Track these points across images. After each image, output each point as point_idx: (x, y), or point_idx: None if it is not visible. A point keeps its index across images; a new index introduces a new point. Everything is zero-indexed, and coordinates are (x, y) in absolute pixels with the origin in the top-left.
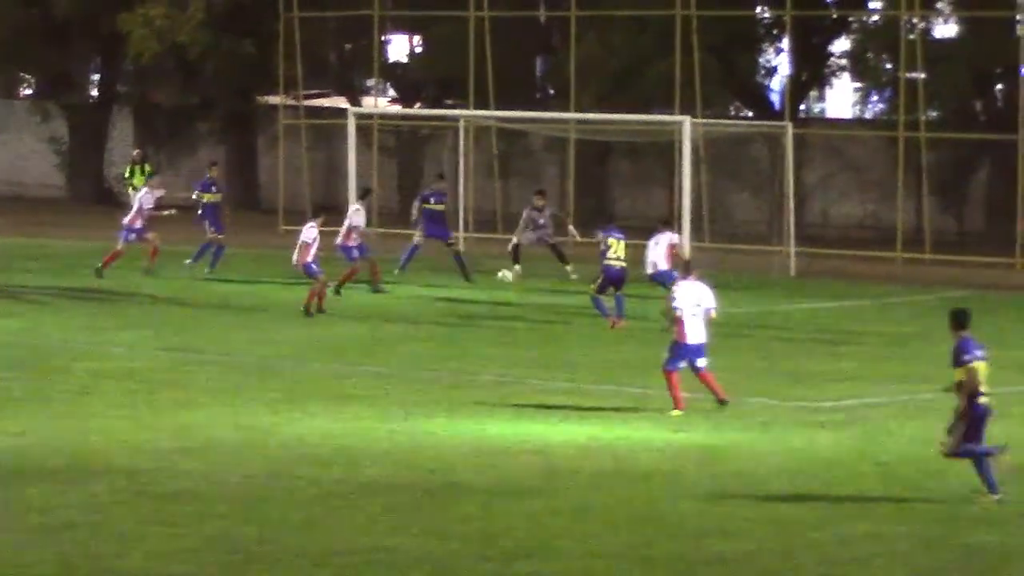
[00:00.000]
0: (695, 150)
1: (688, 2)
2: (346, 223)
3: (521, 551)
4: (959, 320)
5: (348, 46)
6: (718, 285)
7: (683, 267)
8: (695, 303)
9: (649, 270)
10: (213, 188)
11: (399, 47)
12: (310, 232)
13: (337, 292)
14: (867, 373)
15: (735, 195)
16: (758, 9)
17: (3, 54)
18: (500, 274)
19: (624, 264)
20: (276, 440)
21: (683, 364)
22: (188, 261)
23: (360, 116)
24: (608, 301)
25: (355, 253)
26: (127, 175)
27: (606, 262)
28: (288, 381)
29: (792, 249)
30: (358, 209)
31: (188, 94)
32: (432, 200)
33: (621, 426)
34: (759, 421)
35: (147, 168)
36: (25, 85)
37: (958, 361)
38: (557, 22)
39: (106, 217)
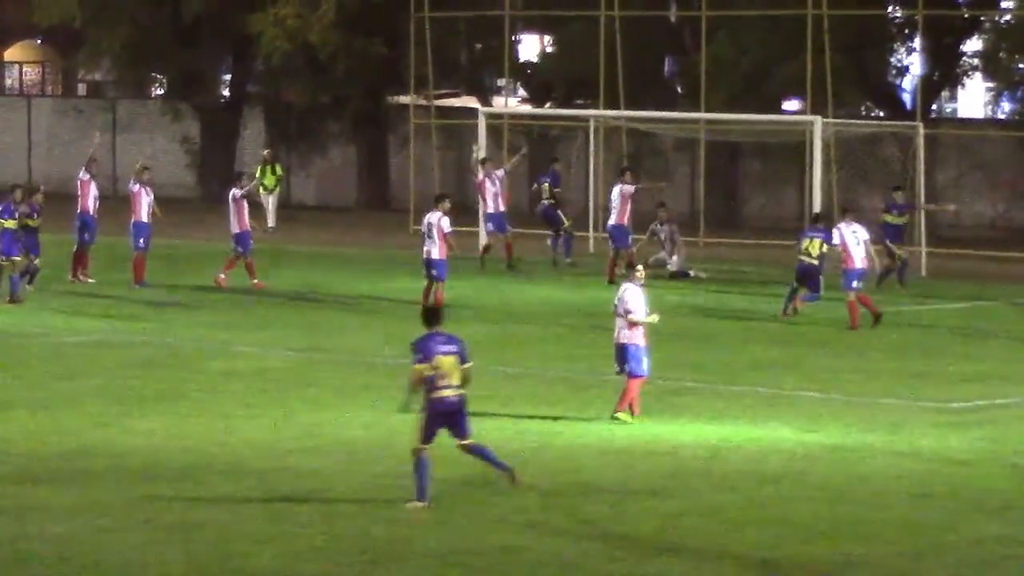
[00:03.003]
0: (826, 150)
1: (819, 1)
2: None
3: (650, 551)
4: (427, 318)
5: (479, 46)
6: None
7: (627, 269)
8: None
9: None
10: (35, 215)
11: (530, 47)
12: (446, 221)
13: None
14: (998, 373)
15: (866, 195)
16: (890, 8)
17: (134, 54)
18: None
19: (813, 261)
20: (404, 440)
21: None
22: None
23: (490, 116)
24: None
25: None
26: (258, 175)
27: (798, 257)
28: None
29: (924, 249)
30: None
31: (319, 94)
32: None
33: (751, 427)
34: (889, 422)
35: (278, 168)
36: (157, 85)
37: (415, 357)
38: (687, 22)
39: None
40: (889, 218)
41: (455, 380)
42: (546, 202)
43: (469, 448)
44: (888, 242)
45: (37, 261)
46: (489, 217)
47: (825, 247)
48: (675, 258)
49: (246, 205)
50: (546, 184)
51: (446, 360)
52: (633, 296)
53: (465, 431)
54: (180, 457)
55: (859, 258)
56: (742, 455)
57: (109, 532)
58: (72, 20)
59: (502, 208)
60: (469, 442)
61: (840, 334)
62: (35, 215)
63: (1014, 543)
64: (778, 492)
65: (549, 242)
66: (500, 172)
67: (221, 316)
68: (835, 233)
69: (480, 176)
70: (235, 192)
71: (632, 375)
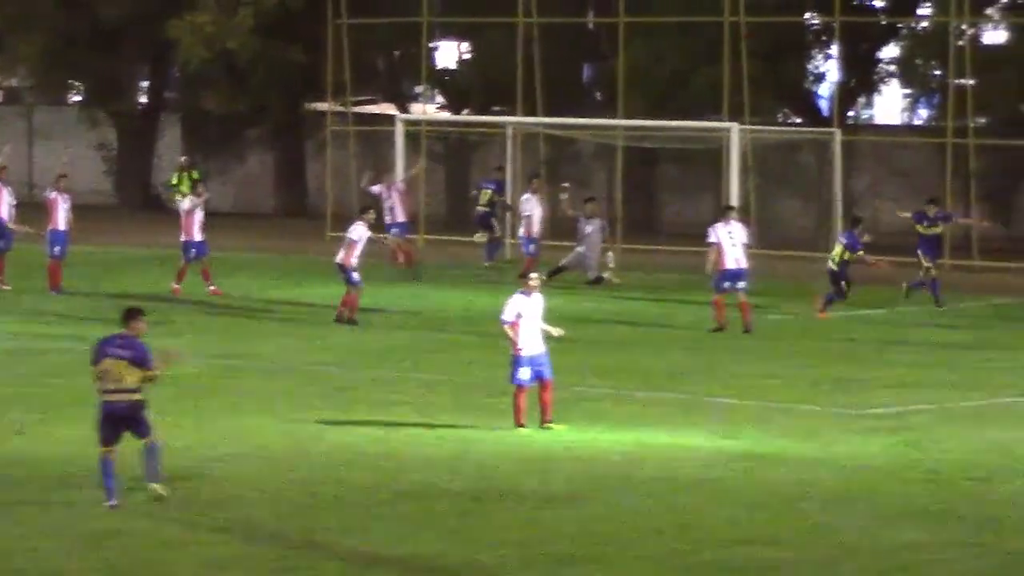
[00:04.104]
0: (743, 157)
1: (736, 8)
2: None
3: (567, 557)
4: (121, 318)
5: (397, 53)
6: (766, 292)
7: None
8: (534, 312)
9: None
10: None
11: (448, 54)
12: (357, 230)
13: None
14: (915, 380)
15: (783, 202)
16: (807, 15)
17: (52, 61)
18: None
19: (831, 265)
20: (322, 446)
21: (528, 377)
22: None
23: (408, 123)
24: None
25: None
26: (174, 182)
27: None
28: (334, 387)
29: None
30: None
31: (237, 101)
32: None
33: (668, 433)
34: (806, 428)
35: (194, 175)
36: (74, 92)
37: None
38: (605, 28)
39: (153, 224)
40: (920, 229)
41: (127, 384)
42: (482, 209)
43: (147, 448)
44: (920, 253)
45: None
46: (389, 227)
47: (847, 254)
48: (609, 255)
49: (197, 215)
50: (488, 190)
51: (113, 364)
52: (512, 303)
53: (142, 432)
54: (96, 464)
55: (731, 259)
56: (659, 461)
57: (27, 540)
58: None
59: (400, 219)
60: (146, 441)
61: (757, 342)
62: None
63: (929, 549)
64: (695, 498)
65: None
66: (399, 183)
67: None
68: (711, 232)
69: (377, 189)
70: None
71: (543, 380)
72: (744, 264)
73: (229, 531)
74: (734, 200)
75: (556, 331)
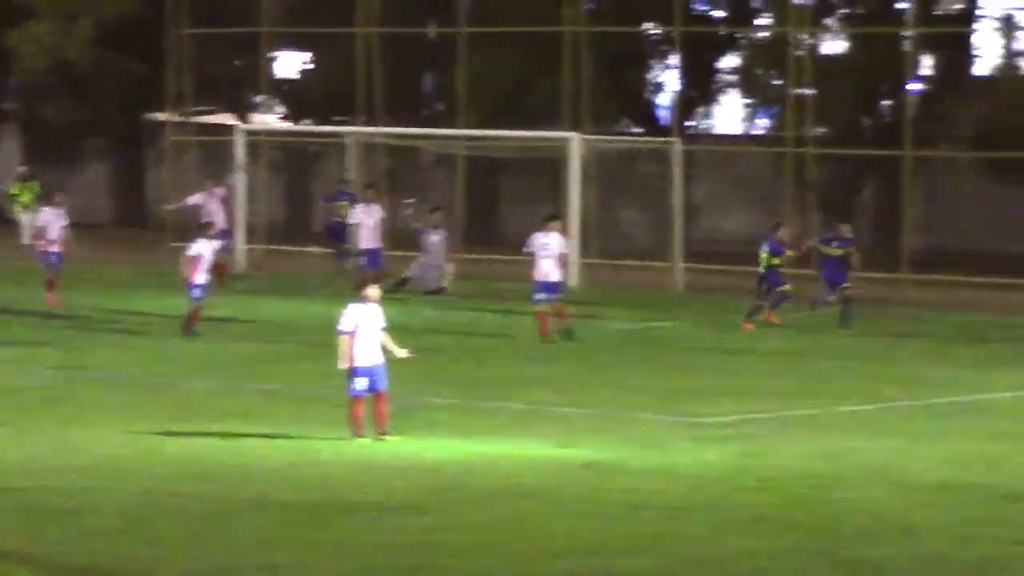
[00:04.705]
0: (584, 166)
1: (576, 19)
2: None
3: (408, 568)
4: None
5: (237, 63)
6: (606, 301)
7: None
8: (372, 323)
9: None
10: None
11: (288, 64)
12: (198, 246)
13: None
14: (752, 388)
15: (624, 211)
16: (647, 25)
17: None
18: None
19: (760, 270)
20: (163, 457)
21: (364, 388)
22: None
23: (249, 133)
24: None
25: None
26: (14, 192)
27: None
28: (175, 398)
29: (680, 265)
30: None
31: (76, 111)
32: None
33: (507, 443)
34: (645, 437)
35: (34, 185)
36: None
37: None
38: (446, 39)
39: None
40: (828, 250)
41: None
42: (334, 219)
43: None
44: (823, 276)
45: None
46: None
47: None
48: (449, 266)
49: (57, 223)
50: (345, 202)
51: None
52: (349, 313)
53: None
54: None
55: (543, 270)
56: (498, 471)
57: None
58: None
59: (221, 227)
60: None
61: (599, 351)
62: None
63: (766, 557)
64: (534, 507)
65: (335, 259)
66: (219, 191)
67: None
68: (529, 240)
69: (197, 199)
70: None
71: (377, 392)
72: (557, 276)
73: (65, 543)
74: (574, 210)
75: (401, 352)
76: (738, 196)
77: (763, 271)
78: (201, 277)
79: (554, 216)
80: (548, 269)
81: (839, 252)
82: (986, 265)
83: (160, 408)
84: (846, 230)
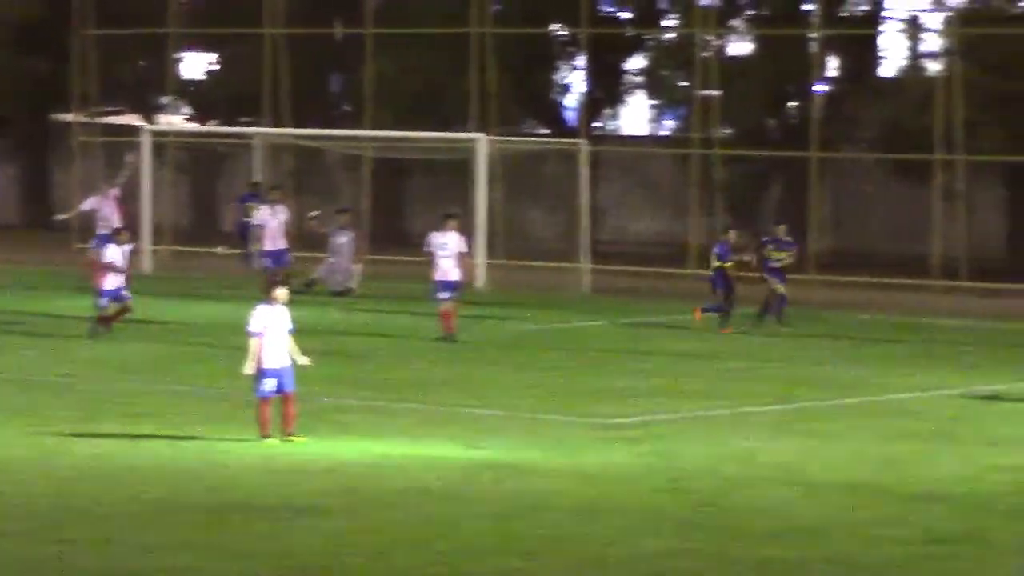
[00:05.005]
0: (491, 167)
1: (483, 20)
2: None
3: (315, 569)
4: None
5: (143, 63)
6: (513, 302)
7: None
8: (279, 324)
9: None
10: None
11: (194, 65)
12: (111, 252)
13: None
14: (661, 389)
15: (531, 212)
16: (553, 27)
17: None
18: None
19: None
20: (68, 460)
21: (272, 389)
22: None
23: (155, 134)
24: None
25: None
26: None
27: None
28: (80, 399)
29: (586, 266)
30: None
31: None
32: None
33: (414, 444)
34: (554, 437)
35: None
36: None
37: None
38: (353, 40)
39: None
40: (777, 255)
41: None
42: (246, 219)
43: None
44: (766, 276)
45: None
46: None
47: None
48: (357, 267)
49: None
50: (253, 204)
51: None
52: (257, 315)
53: None
54: None
55: (442, 270)
56: (406, 472)
57: None
58: None
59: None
60: None
61: (506, 352)
62: None
63: (672, 556)
64: (442, 509)
65: (245, 259)
66: (112, 192)
67: None
68: (427, 240)
69: (91, 203)
70: None
71: (285, 393)
72: (455, 275)
73: None
74: (481, 211)
75: (302, 359)
76: (644, 197)
77: (712, 274)
78: (111, 283)
79: (451, 215)
80: (447, 268)
81: (789, 259)
82: (892, 266)
83: (67, 409)
84: (782, 232)
